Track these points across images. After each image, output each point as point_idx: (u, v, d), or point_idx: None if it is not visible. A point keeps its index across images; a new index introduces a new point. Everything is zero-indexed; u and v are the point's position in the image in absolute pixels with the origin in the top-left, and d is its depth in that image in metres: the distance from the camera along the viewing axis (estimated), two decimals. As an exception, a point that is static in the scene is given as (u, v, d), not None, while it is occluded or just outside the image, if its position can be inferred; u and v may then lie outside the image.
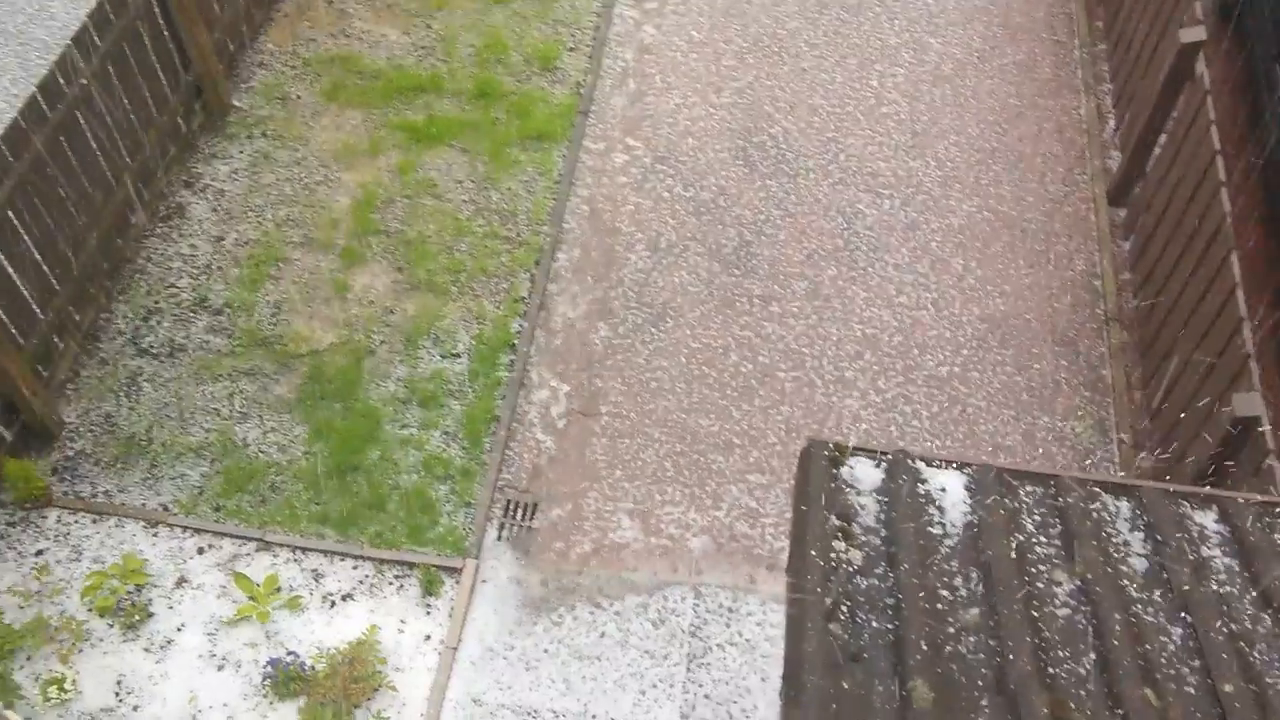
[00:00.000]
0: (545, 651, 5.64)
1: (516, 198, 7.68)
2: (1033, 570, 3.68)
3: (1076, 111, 8.31)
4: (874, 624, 3.52)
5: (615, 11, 8.98)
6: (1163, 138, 7.25)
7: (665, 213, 7.63)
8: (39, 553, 5.83)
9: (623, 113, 8.27)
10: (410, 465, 6.29)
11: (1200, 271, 6.18)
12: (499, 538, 6.05)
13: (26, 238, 6.05)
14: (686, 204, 7.68)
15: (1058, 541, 3.81)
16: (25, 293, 6.08)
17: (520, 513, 6.14)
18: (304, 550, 5.91)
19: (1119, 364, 6.83)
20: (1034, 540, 3.83)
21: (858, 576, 3.66)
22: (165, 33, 7.25)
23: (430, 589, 5.78)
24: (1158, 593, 3.62)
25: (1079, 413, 6.64)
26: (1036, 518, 3.90)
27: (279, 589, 5.73)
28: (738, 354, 6.86)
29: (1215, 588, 3.68)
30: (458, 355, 6.80)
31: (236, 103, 8.15)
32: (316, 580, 5.82)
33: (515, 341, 6.88)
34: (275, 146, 7.91)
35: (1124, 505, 3.94)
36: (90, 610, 5.62)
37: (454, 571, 5.87)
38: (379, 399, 6.56)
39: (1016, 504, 3.92)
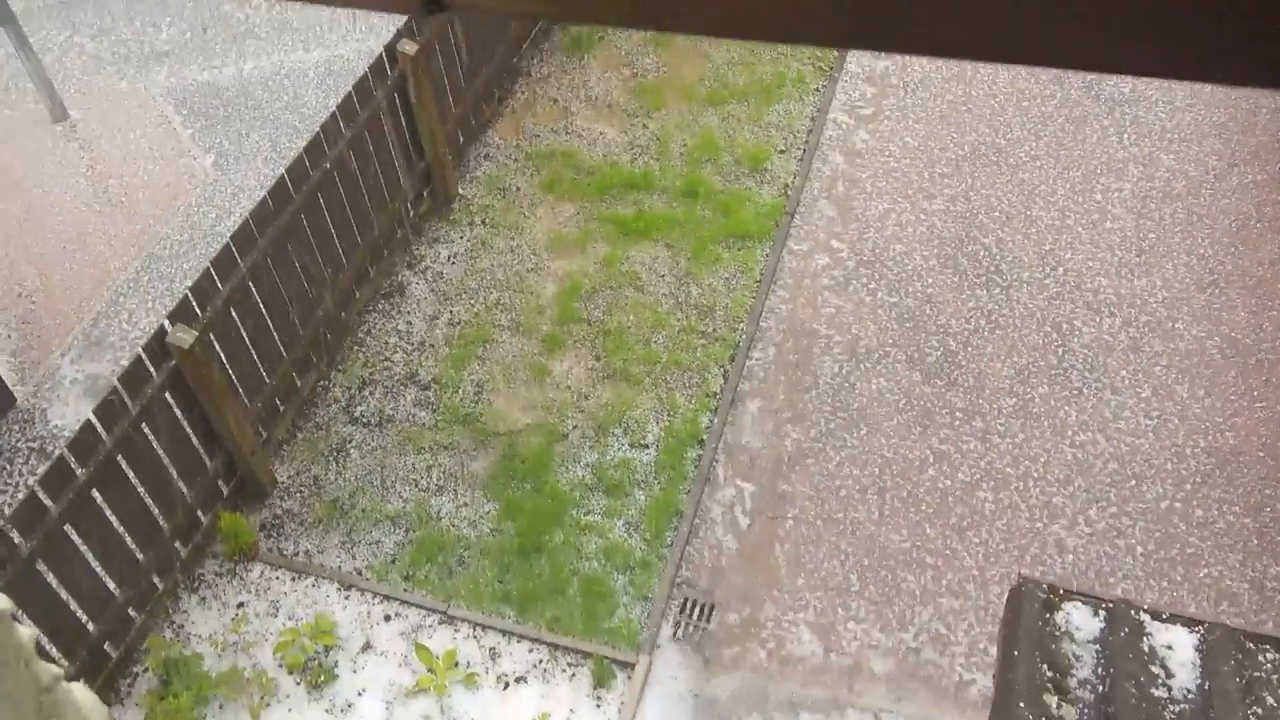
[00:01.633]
0: (713, 761, 5.46)
1: (716, 294, 7.73)
2: (1272, 747, 3.29)
3: (1326, 236, 7.69)
4: (1086, 790, 3.22)
5: (829, 116, 9.03)
6: None
7: (866, 317, 7.49)
8: (240, 605, 6.15)
9: (829, 215, 8.24)
10: (592, 552, 6.30)
11: None
12: (674, 636, 5.95)
13: (263, 307, 6.53)
14: (889, 310, 7.52)
15: (1303, 717, 3.40)
16: (256, 358, 6.54)
17: (697, 612, 6.02)
18: (484, 627, 5.99)
19: (1370, 515, 6.14)
20: (1275, 716, 3.44)
21: (1070, 736, 3.38)
22: (403, 123, 7.78)
23: (602, 681, 5.73)
24: None
25: (1320, 565, 5.98)
26: (1279, 691, 3.50)
27: (457, 664, 5.81)
28: (936, 469, 6.58)
29: None
30: (646, 446, 6.83)
31: (461, 191, 8.62)
32: (493, 659, 5.87)
33: (704, 437, 6.85)
34: (493, 234, 8.29)
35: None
36: (281, 666, 5.85)
37: (626, 666, 5.80)
38: (567, 483, 6.65)
39: (1256, 672, 3.54)
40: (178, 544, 6.16)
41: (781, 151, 8.80)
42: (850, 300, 7.63)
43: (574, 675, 5.78)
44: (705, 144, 8.85)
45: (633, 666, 5.78)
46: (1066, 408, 6.83)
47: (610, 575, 6.19)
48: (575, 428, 6.96)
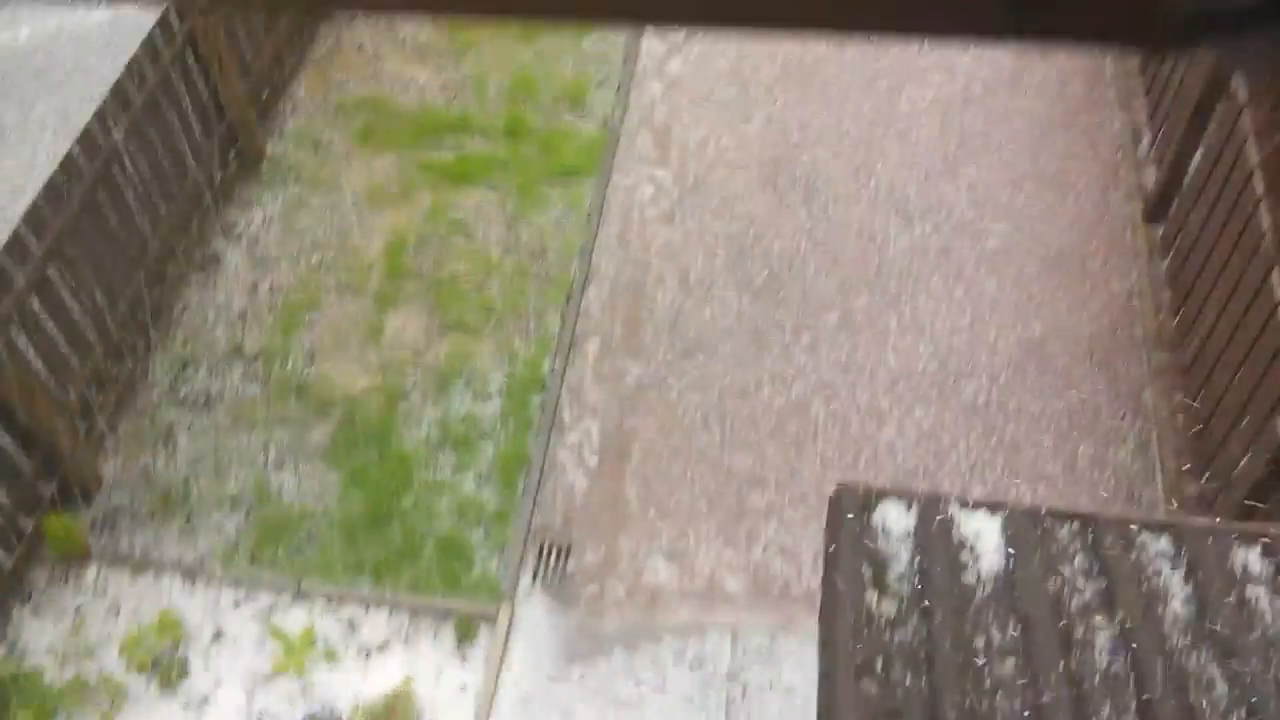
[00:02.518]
0: (583, 700, 5.60)
1: (546, 235, 7.70)
2: (1072, 617, 3.60)
3: (1110, 127, 8.17)
4: (909, 680, 3.45)
5: (641, 45, 8.99)
6: (1200, 152, 7.10)
7: (695, 245, 7.61)
8: (78, 610, 5.91)
9: (651, 146, 8.27)
10: (444, 510, 6.29)
11: (1240, 290, 6.03)
12: (533, 583, 6.03)
13: (64, 292, 6.17)
14: (716, 236, 7.65)
15: (1098, 585, 3.72)
16: (63, 348, 6.19)
17: (554, 556, 6.12)
18: (339, 600, 5.93)
19: (1160, 386, 6.67)
20: (1073, 585, 3.75)
21: (891, 629, 3.60)
22: (199, 82, 7.38)
23: (466, 637, 5.77)
24: (1201, 638, 3.53)
25: (1121, 438, 6.49)
26: (1075, 561, 3.81)
27: (315, 641, 5.74)
28: (770, 388, 6.80)
29: (1260, 631, 3.58)
30: (490, 396, 6.81)
31: (270, 149, 8.27)
32: (352, 630, 5.83)
33: (546, 381, 6.87)
34: (308, 192, 8.01)
35: (1164, 544, 3.84)
36: (128, 668, 5.67)
37: (489, 619, 5.85)
38: (412, 443, 6.59)
39: (1054, 547, 3.84)
40: (1, 555, 5.85)
41: (599, 84, 8.74)
42: (678, 230, 7.72)
43: (437, 635, 5.81)
44: (522, 81, 8.71)
45: (495, 618, 5.84)
46: (887, 315, 7.13)
47: (465, 531, 6.21)
48: (415, 385, 6.88)
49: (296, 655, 5.64)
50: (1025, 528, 3.88)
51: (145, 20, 9.10)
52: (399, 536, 6.18)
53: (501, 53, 8.96)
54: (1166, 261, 7.24)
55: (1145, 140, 8.04)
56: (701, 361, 6.96)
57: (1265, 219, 5.99)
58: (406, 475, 6.42)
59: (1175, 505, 6.12)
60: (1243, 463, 5.66)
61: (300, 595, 5.93)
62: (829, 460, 6.44)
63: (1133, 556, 3.78)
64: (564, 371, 6.93)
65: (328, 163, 8.21)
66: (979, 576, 3.78)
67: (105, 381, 6.61)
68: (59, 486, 6.22)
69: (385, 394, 6.82)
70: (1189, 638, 3.53)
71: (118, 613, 5.89)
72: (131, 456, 6.57)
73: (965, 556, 3.84)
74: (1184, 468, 6.27)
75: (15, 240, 5.80)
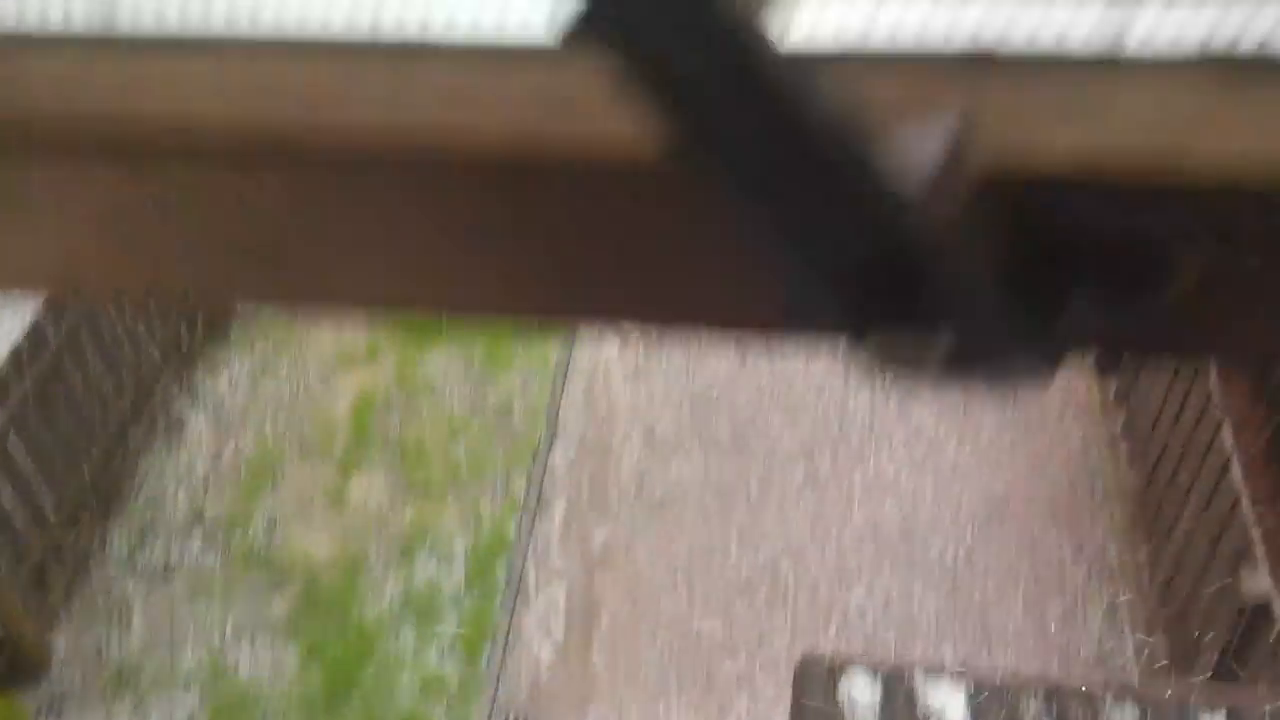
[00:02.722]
0: None
1: (513, 394, 7.76)
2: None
3: (1060, 284, 8.44)
4: None
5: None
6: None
7: (660, 404, 7.68)
8: (21, 800, 5.65)
9: (614, 306, 8.43)
10: (405, 685, 6.13)
11: (1193, 443, 6.15)
12: (498, 761, 5.85)
13: (24, 463, 6.10)
14: (680, 396, 7.73)
15: (1066, 759, 3.68)
16: (19, 521, 6.09)
17: (520, 731, 5.95)
18: (295, 785, 5.72)
19: (1124, 542, 6.71)
20: (1043, 762, 3.70)
21: (859, 813, 3.53)
22: (167, 254, 7.48)
23: (427, 820, 5.55)
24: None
25: (1089, 596, 6.48)
26: (1042, 734, 3.77)
27: (269, 828, 5.51)
28: (738, 549, 6.77)
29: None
30: (454, 562, 6.73)
31: (239, 311, 8.33)
32: (307, 819, 5.60)
33: (512, 545, 6.81)
34: (275, 354, 8.05)
35: (1130, 713, 3.81)
36: None
37: (451, 800, 5.65)
38: (374, 613, 6.46)
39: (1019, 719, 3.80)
40: (-59, 743, 5.61)
41: (563, 245, 8.95)
42: (643, 389, 7.80)
43: (397, 820, 5.59)
44: (487, 244, 8.91)
45: (457, 800, 5.63)
46: (852, 473, 7.18)
47: (427, 707, 6.03)
48: (379, 553, 6.78)
49: None
50: (990, 700, 3.85)
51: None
52: (358, 714, 5.99)
53: (469, 216, 9.19)
54: (1123, 415, 7.38)
55: (1093, 297, 8.29)
56: (669, 521, 6.94)
57: (1213, 371, 6.15)
58: (367, 648, 6.27)
59: (1145, 663, 6.08)
60: (1208, 622, 5.66)
61: (254, 781, 5.71)
62: (799, 624, 6.37)
63: (1100, 730, 3.75)
64: (530, 534, 6.88)
65: (294, 324, 8.27)
66: (949, 756, 3.72)
67: (61, 553, 6.48)
68: (6, 665, 6.01)
69: (347, 562, 6.72)
70: (1162, 818, 3.48)
71: (61, 805, 5.64)
72: (84, 631, 6.39)
73: (932, 734, 3.79)
74: (1152, 626, 6.26)
75: (-24, 410, 5.77)
